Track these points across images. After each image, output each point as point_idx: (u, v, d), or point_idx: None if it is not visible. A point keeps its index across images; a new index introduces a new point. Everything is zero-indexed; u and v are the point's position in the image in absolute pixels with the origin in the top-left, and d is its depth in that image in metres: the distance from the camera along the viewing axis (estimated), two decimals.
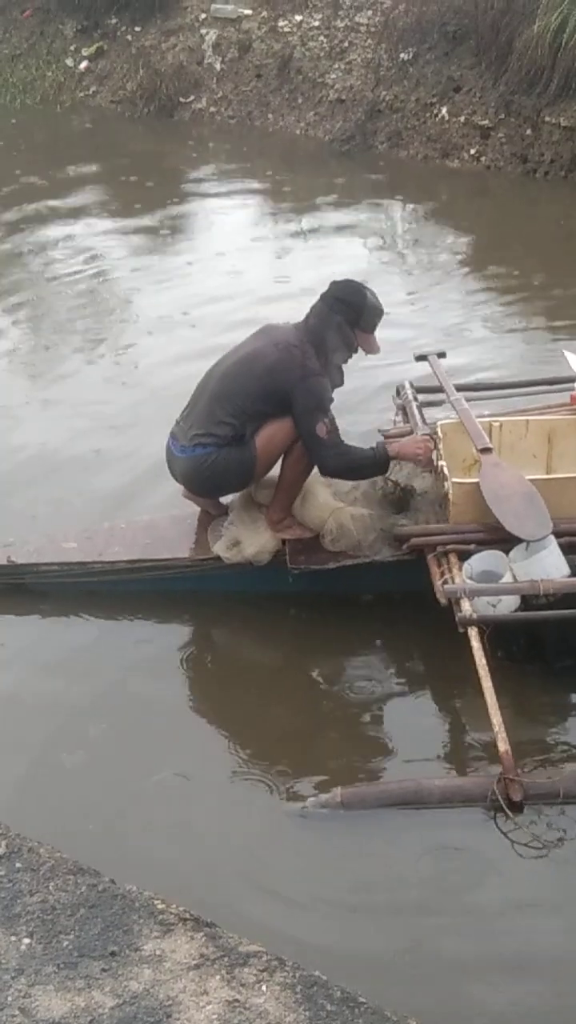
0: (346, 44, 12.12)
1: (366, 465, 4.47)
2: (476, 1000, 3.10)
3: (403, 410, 5.16)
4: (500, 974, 3.17)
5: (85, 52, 13.92)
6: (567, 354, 5.56)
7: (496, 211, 10.08)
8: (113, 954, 2.87)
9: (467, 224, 9.71)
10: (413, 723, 4.13)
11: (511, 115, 10.68)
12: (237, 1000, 2.74)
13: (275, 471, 4.58)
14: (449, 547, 4.28)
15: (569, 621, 4.04)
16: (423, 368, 5.36)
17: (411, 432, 4.80)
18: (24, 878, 3.12)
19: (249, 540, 4.54)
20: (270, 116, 12.47)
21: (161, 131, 12.78)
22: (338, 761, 3.92)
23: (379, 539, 4.48)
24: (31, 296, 8.19)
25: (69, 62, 14.04)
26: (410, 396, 5.10)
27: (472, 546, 4.27)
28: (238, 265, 8.68)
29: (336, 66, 12.07)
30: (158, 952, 2.87)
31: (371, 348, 4.56)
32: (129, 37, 13.60)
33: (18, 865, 3.16)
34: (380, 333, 4.54)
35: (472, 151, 10.95)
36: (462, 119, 11.04)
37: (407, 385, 5.21)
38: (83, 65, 13.90)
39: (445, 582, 4.13)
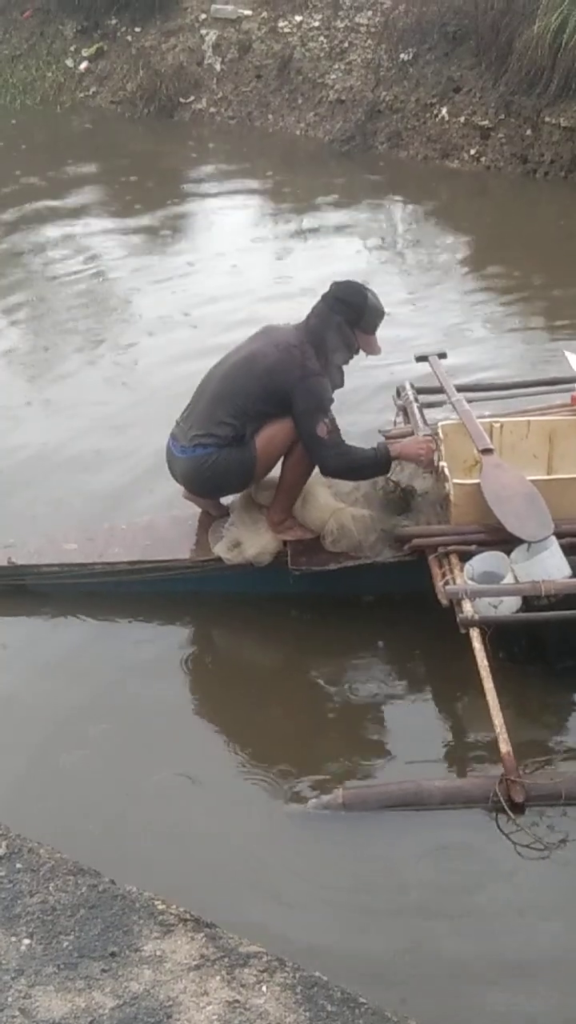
0: (346, 44, 12.12)
1: (367, 465, 4.46)
2: (476, 1001, 3.10)
3: (404, 411, 5.15)
4: (500, 975, 3.16)
5: (85, 53, 13.92)
6: (568, 354, 5.56)
7: (496, 211, 10.08)
8: (113, 955, 2.86)
9: (467, 224, 9.71)
10: (414, 724, 4.13)
11: (511, 115, 10.68)
12: (237, 1001, 2.73)
13: (275, 472, 4.58)
14: (450, 548, 4.28)
15: (570, 622, 4.03)
16: (423, 368, 5.36)
17: (412, 433, 4.80)
18: (24, 879, 3.11)
19: (250, 541, 4.54)
20: (270, 116, 12.47)
21: (161, 131, 12.78)
22: (339, 762, 3.92)
23: (380, 540, 4.47)
24: (31, 296, 8.19)
25: (69, 63, 14.04)
26: (411, 397, 5.10)
27: (473, 547, 4.26)
28: (238, 265, 8.68)
29: (336, 66, 12.07)
30: (158, 953, 2.87)
31: (372, 349, 4.56)
32: (129, 38, 13.60)
33: (18, 866, 3.16)
34: (380, 333, 4.54)
35: (472, 151, 10.95)
36: (462, 119, 11.04)
37: (408, 386, 5.21)
38: (83, 66, 13.90)
39: (446, 583, 4.12)
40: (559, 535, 4.18)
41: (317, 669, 4.42)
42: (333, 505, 4.57)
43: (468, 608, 3.99)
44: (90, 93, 13.75)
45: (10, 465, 5.77)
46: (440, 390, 5.03)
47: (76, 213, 10.08)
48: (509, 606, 4.08)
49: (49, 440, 6.01)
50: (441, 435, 4.62)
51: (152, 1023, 2.67)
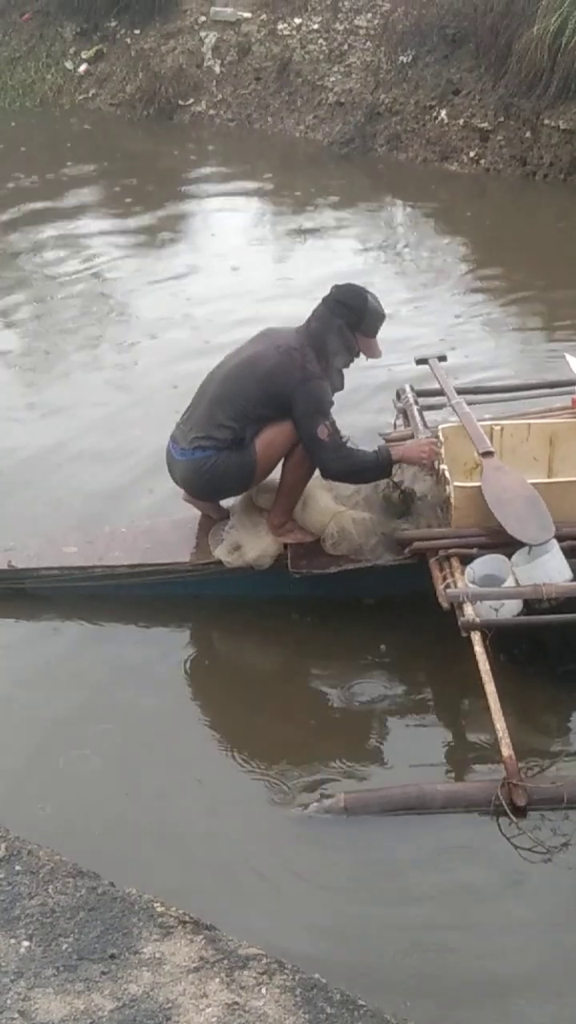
0: (345, 47, 12.13)
1: (368, 468, 4.46)
2: (476, 1005, 3.09)
3: (404, 414, 5.15)
4: (501, 979, 3.15)
5: (84, 55, 13.93)
6: (568, 357, 5.55)
7: (495, 214, 10.08)
8: (113, 957, 2.86)
9: (466, 226, 9.73)
10: (416, 727, 4.13)
11: (510, 118, 10.68)
12: (237, 1003, 2.73)
13: (276, 475, 4.57)
14: (451, 551, 4.27)
15: (572, 625, 4.03)
16: (422, 368, 5.36)
17: (412, 436, 4.79)
18: (23, 881, 3.11)
19: (250, 544, 4.53)
20: (269, 119, 12.48)
21: (160, 134, 12.79)
22: (340, 765, 3.91)
23: (381, 543, 4.46)
24: (31, 296, 8.20)
25: (68, 65, 14.05)
26: (411, 399, 5.09)
27: (474, 550, 4.26)
28: (238, 266, 8.69)
29: (335, 69, 12.08)
30: (158, 955, 2.87)
31: (372, 352, 4.55)
32: (128, 40, 13.60)
33: (17, 868, 3.15)
34: (380, 333, 4.53)
35: (471, 154, 10.96)
36: (461, 122, 11.05)
37: (408, 388, 5.20)
38: (82, 68, 13.91)
39: (448, 586, 4.11)
40: (560, 538, 4.17)
41: (318, 672, 4.42)
42: (334, 508, 4.56)
43: (469, 611, 3.98)
44: (89, 95, 13.76)
45: (10, 465, 5.77)
46: (440, 392, 5.03)
47: (76, 214, 10.09)
48: (510, 609, 4.07)
49: (49, 440, 6.00)
50: (441, 438, 4.61)
51: None
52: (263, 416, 4.40)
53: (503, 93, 10.68)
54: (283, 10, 12.65)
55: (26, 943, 2.89)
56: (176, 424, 4.63)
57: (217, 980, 2.79)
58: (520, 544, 4.17)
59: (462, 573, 4.17)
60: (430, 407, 5.14)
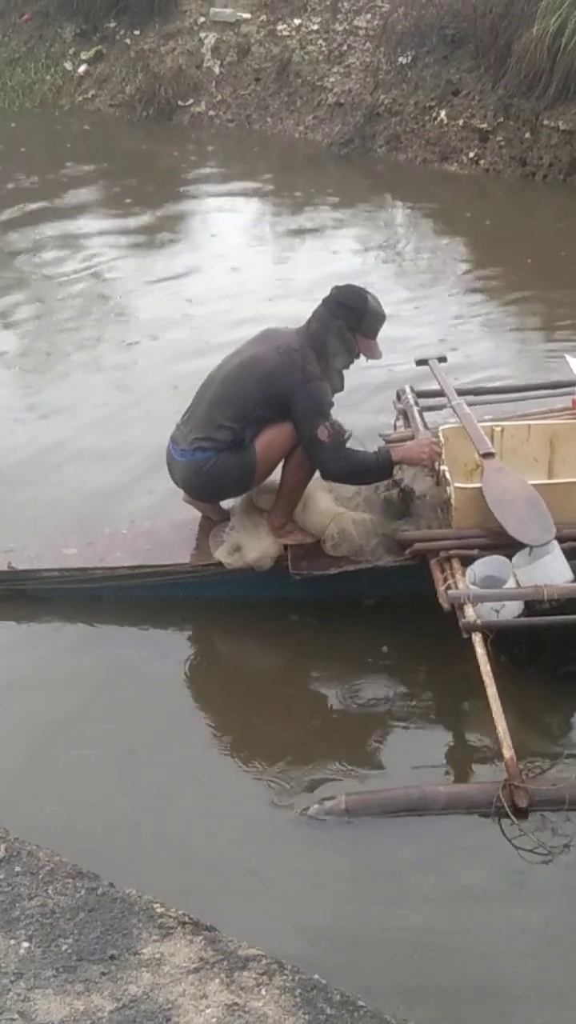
0: (345, 48, 12.13)
1: (369, 469, 4.45)
2: (476, 1007, 3.08)
3: (404, 415, 5.14)
4: (501, 981, 3.15)
5: (84, 56, 13.94)
6: (569, 358, 5.54)
7: (495, 214, 10.07)
8: (112, 958, 2.86)
9: (466, 227, 9.73)
10: (417, 729, 4.12)
11: (510, 118, 10.69)
12: (236, 1004, 2.73)
13: (276, 476, 4.56)
14: (452, 552, 4.26)
15: (573, 626, 4.02)
16: (422, 368, 5.35)
17: (412, 436, 4.79)
18: (23, 882, 3.11)
19: (251, 546, 4.52)
20: (269, 120, 12.48)
21: (160, 134, 12.80)
22: (341, 766, 3.90)
23: (381, 544, 4.46)
24: (31, 296, 8.20)
25: (68, 66, 14.05)
26: (411, 400, 5.09)
27: (475, 551, 4.25)
28: (237, 266, 8.70)
29: (335, 70, 12.08)
30: (157, 956, 2.87)
31: (372, 354, 4.54)
32: (128, 41, 13.60)
33: (17, 869, 3.15)
34: (380, 333, 4.53)
35: (471, 154, 10.96)
36: (461, 122, 11.05)
37: (408, 389, 5.19)
38: (82, 69, 13.91)
39: (448, 587, 4.10)
40: (561, 539, 4.17)
41: (318, 673, 4.41)
42: (334, 509, 4.56)
43: (470, 612, 3.97)
44: (89, 96, 13.76)
45: (10, 465, 5.77)
46: (440, 393, 5.02)
47: (76, 214, 10.10)
48: (511, 610, 4.06)
49: (49, 440, 6.00)
50: (442, 439, 4.61)
51: None
52: (263, 417, 4.40)
53: (503, 94, 10.69)
54: (282, 11, 12.65)
55: (26, 944, 2.89)
56: (176, 425, 4.62)
57: (217, 981, 2.79)
58: (521, 545, 4.17)
59: (463, 574, 4.16)
60: (430, 408, 5.13)
